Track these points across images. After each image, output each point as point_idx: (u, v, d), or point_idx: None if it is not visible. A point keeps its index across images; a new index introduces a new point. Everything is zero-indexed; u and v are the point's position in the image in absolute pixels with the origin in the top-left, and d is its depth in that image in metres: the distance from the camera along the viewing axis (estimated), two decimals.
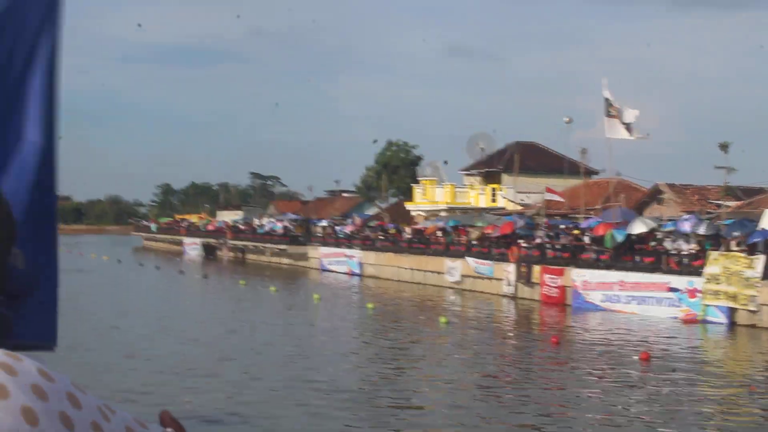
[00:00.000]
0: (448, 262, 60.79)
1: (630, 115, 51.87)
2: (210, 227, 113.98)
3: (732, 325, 39.59)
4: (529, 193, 75.16)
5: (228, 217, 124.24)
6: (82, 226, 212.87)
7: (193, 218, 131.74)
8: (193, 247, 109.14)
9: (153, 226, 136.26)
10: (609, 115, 52.08)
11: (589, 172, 74.20)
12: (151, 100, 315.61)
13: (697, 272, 41.75)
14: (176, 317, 43.22)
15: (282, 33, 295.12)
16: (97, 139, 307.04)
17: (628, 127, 51.61)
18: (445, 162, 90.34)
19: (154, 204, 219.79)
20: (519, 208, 72.24)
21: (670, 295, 42.72)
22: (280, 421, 20.99)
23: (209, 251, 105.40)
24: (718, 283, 40.49)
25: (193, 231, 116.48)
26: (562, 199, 57.95)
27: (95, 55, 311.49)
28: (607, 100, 52.11)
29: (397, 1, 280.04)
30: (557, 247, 51.86)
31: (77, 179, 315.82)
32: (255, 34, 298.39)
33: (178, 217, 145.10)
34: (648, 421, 21.52)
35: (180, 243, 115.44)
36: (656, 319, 41.75)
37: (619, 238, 47.82)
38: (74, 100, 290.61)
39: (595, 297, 46.81)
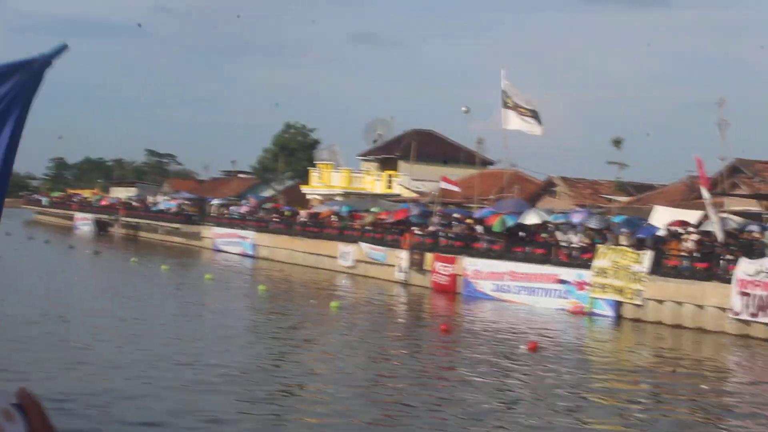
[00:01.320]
0: (341, 247, 60.68)
1: (528, 105, 52.28)
2: (103, 203, 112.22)
3: (618, 318, 40.18)
4: (425, 180, 75.34)
5: (122, 193, 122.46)
6: None
7: (86, 193, 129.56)
8: (84, 223, 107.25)
9: (44, 200, 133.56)
10: (506, 106, 52.46)
11: (485, 163, 74.72)
12: (49, 71, 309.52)
13: (586, 265, 42.28)
14: (60, 294, 42.38)
15: (186, 11, 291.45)
16: None
17: (529, 115, 51.98)
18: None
19: (46, 177, 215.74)
20: (414, 195, 72.41)
21: (559, 286, 43.21)
22: (154, 400, 20.64)
23: (101, 227, 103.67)
24: (606, 277, 41.05)
25: (85, 206, 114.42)
26: (456, 189, 58.18)
27: None
28: (504, 91, 52.48)
29: None
30: (450, 235, 52.08)
31: None
32: (159, 11, 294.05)
33: (70, 191, 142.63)
34: (526, 411, 21.68)
35: (72, 218, 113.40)
36: (545, 310, 42.18)
37: (510, 222, 48.22)
38: None
39: (485, 286, 47.12)
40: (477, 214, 53.44)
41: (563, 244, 45.27)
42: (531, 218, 48.24)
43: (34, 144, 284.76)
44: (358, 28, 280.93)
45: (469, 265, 48.50)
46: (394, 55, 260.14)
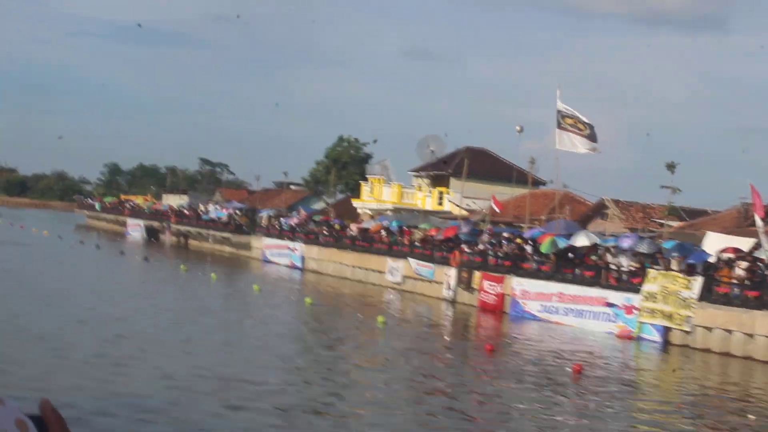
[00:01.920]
0: (390, 262, 60.68)
1: (584, 123, 51.94)
2: (154, 209, 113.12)
3: (666, 344, 39.79)
4: (476, 198, 75.16)
5: (173, 201, 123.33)
6: (25, 200, 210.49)
7: (139, 199, 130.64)
8: (135, 229, 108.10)
9: (97, 205, 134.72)
10: (560, 126, 52.19)
11: (537, 182, 74.45)
12: (105, 77, 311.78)
13: (635, 289, 41.96)
14: (110, 300, 42.77)
15: (241, 20, 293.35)
16: (47, 112, 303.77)
17: (586, 136, 51.64)
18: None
19: (100, 182, 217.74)
20: (465, 213, 72.28)
21: (607, 310, 42.92)
22: (196, 414, 20.73)
23: (152, 234, 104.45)
24: (654, 302, 40.72)
25: (137, 212, 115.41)
26: (498, 209, 58.09)
27: (48, 27, 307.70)
28: (559, 111, 52.21)
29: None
30: (499, 254, 51.91)
31: (24, 152, 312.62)
32: (214, 20, 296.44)
33: (123, 197, 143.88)
34: None
35: (123, 223, 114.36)
36: (592, 333, 41.91)
37: (560, 244, 47.94)
38: (26, 72, 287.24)
39: (533, 307, 46.91)
40: (527, 233, 53.22)
41: (613, 267, 44.98)
42: (581, 240, 47.95)
43: (89, 149, 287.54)
44: (413, 44, 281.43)
45: (517, 285, 48.31)
46: (448, 72, 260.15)
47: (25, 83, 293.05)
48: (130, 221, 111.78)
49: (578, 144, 51.92)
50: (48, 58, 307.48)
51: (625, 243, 45.23)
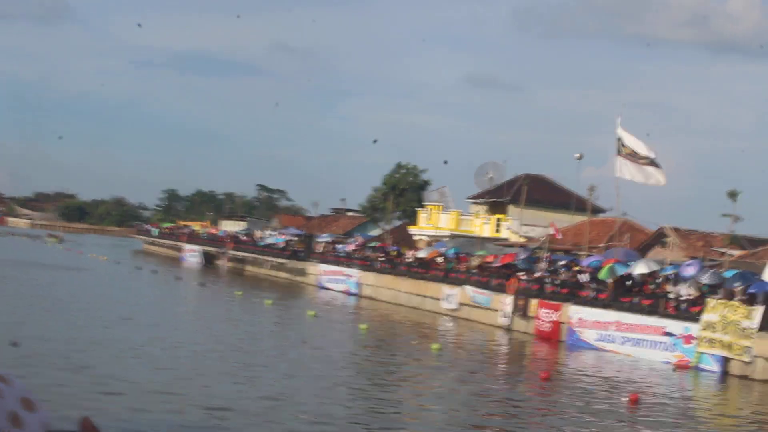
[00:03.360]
0: (446, 289, 60.77)
1: (646, 152, 51.73)
2: (211, 235, 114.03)
3: (724, 374, 39.48)
4: (534, 226, 75.17)
5: (231, 227, 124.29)
6: (84, 225, 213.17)
7: (196, 225, 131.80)
8: (192, 254, 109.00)
9: (154, 230, 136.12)
10: (620, 153, 52.08)
11: (596, 210, 74.27)
12: (164, 105, 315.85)
13: (694, 318, 41.71)
14: (166, 325, 43.29)
15: (303, 50, 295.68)
16: (107, 139, 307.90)
17: (647, 164, 51.42)
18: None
19: (158, 208, 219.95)
20: (522, 240, 72.25)
21: (665, 339, 42.68)
22: None
23: (208, 259, 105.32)
24: (714, 331, 40.45)
25: (194, 238, 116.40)
26: (559, 236, 57.94)
27: (111, 58, 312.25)
28: (619, 138, 52.12)
29: (419, 26, 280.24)
30: (556, 282, 51.84)
31: (84, 178, 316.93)
32: (277, 49, 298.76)
33: (180, 222, 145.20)
34: None
35: (180, 249, 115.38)
36: (649, 362, 41.70)
37: (618, 271, 47.77)
38: (89, 100, 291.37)
39: (589, 335, 46.76)
40: (585, 261, 53.10)
41: (671, 296, 44.75)
42: (640, 268, 47.75)
43: (148, 175, 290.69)
44: (477, 71, 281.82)
45: (574, 313, 48.20)
46: (511, 100, 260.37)
47: (84, 110, 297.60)
48: (187, 247, 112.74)
49: (637, 174, 51.75)
50: (113, 88, 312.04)
51: (688, 271, 44.88)
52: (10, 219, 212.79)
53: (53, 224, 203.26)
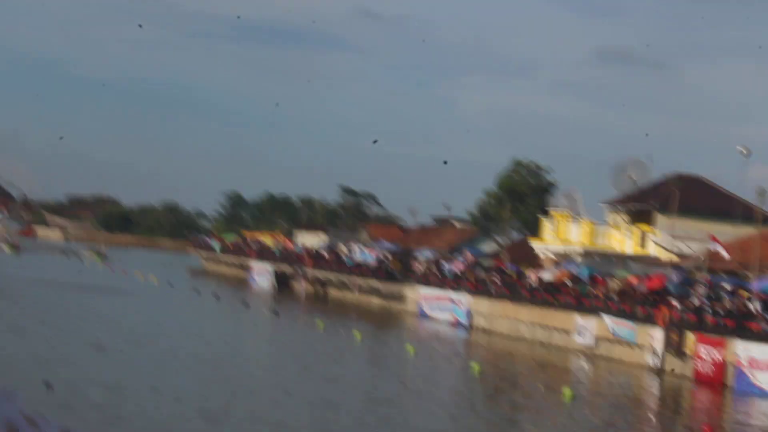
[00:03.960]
0: (578, 320, 60.30)
1: None
2: (286, 250, 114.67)
3: None
4: (689, 240, 74.25)
5: (309, 240, 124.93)
6: (130, 237, 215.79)
7: (267, 238, 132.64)
8: (262, 274, 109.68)
9: (216, 245, 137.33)
10: None
11: None
12: (224, 87, 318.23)
13: None
14: (234, 365, 43.54)
15: (391, 17, 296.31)
16: (155, 131, 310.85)
17: None
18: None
19: (219, 216, 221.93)
20: (674, 258, 71.46)
21: None
22: None
23: (283, 281, 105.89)
24: None
25: (265, 254, 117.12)
26: (726, 254, 57.08)
27: (155, 27, 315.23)
28: None
29: None
30: (719, 311, 51.12)
31: (128, 179, 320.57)
32: (363, 16, 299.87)
33: (247, 235, 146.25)
34: None
35: (247, 268, 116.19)
36: None
37: None
38: (131, 81, 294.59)
39: (764, 379, 45.98)
40: (755, 285, 52.31)
41: None
42: None
43: (206, 175, 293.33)
44: (608, 44, 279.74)
45: (743, 351, 47.44)
46: (654, 80, 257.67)
47: (125, 91, 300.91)
48: (256, 265, 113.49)
49: None
50: (155, 67, 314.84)
51: None
52: (40, 229, 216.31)
53: (91, 236, 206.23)
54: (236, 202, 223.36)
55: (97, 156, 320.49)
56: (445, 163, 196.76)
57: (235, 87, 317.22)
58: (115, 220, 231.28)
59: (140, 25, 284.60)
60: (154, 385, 34.83)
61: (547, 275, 67.46)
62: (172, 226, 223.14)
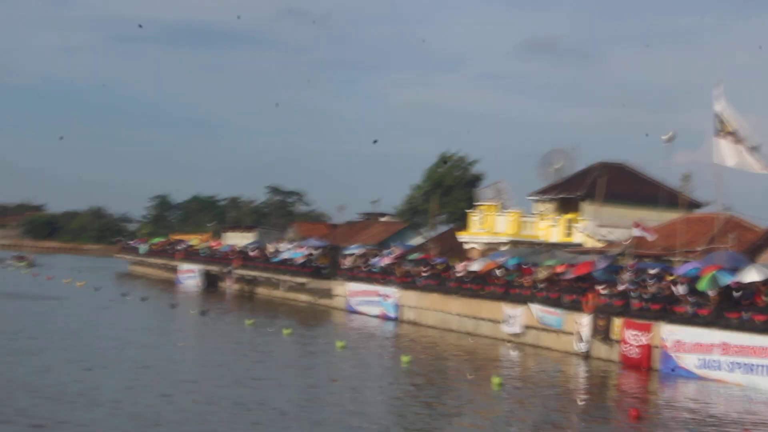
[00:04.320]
0: (506, 309, 60.57)
1: (749, 134, 51.29)
2: (213, 251, 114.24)
3: None
4: (614, 227, 74.78)
5: (236, 239, 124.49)
6: (55, 244, 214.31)
7: (193, 239, 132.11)
8: (190, 276, 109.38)
9: (142, 247, 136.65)
10: (719, 134, 51.68)
11: (692, 205, 73.82)
12: (149, 90, 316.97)
13: None
14: (157, 365, 43.31)
15: (317, 15, 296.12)
16: (80, 136, 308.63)
17: (752, 148, 51.00)
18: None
19: (146, 220, 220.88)
20: (600, 245, 71.90)
21: None
22: None
23: (210, 281, 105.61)
24: None
25: (191, 255, 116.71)
26: (651, 237, 57.52)
27: (80, 31, 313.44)
28: (717, 115, 51.72)
29: None
30: (645, 296, 51.50)
31: (52, 185, 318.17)
32: (285, 14, 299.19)
33: (174, 237, 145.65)
34: None
35: (174, 269, 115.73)
36: (766, 393, 41.33)
37: (724, 281, 47.31)
38: (54, 86, 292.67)
39: (689, 361, 46.44)
40: (680, 269, 52.74)
41: None
42: (751, 275, 47.29)
43: (132, 179, 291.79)
44: (533, 35, 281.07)
45: (669, 334, 47.88)
46: (576, 69, 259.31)
47: (48, 97, 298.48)
48: (183, 266, 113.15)
49: (741, 160, 51.28)
50: (81, 69, 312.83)
51: None
52: None
53: (16, 243, 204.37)
54: (163, 205, 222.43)
55: (21, 163, 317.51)
56: (375, 142, 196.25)
57: (161, 90, 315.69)
58: (41, 227, 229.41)
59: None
60: (80, 390, 34.57)
61: (475, 266, 67.67)
62: (99, 230, 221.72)
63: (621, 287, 53.43)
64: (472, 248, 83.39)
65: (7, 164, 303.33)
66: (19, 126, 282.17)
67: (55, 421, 28.02)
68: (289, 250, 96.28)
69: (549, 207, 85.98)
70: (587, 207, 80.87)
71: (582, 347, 53.34)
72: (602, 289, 54.27)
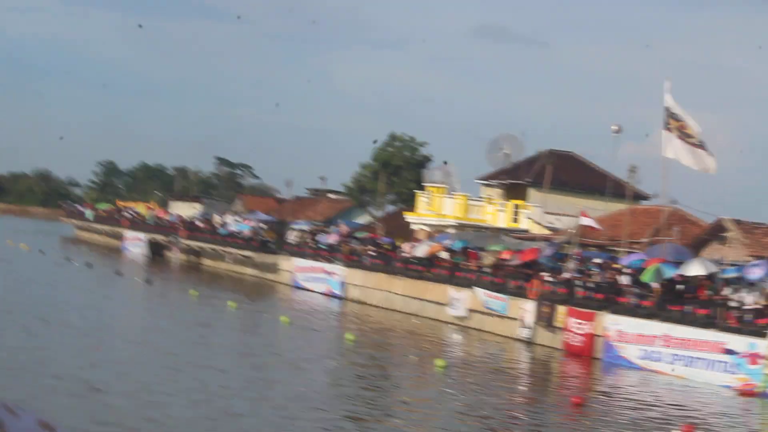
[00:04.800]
0: (451, 292, 60.66)
1: (697, 132, 51.58)
2: (159, 220, 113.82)
3: None
4: (561, 215, 74.97)
5: (183, 210, 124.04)
6: (0, 205, 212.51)
7: (140, 207, 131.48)
8: (136, 244, 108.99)
9: (89, 213, 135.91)
10: (668, 128, 51.94)
11: (637, 197, 74.11)
12: (101, 53, 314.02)
13: (761, 333, 41.62)
14: (101, 331, 43.15)
15: None
16: (29, 98, 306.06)
17: (697, 145, 51.27)
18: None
19: (92, 185, 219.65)
20: (546, 232, 72.12)
21: (726, 358, 42.60)
22: None
23: (156, 250, 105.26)
24: None
25: (138, 223, 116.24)
26: (599, 227, 57.77)
27: None
28: (667, 108, 51.96)
29: None
30: (589, 285, 51.74)
31: None
32: None
33: (121, 204, 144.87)
34: None
35: (120, 237, 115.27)
36: (706, 386, 41.62)
37: (667, 274, 47.60)
38: (2, 45, 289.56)
39: (631, 352, 46.69)
40: (624, 260, 53.02)
41: (733, 304, 44.62)
42: (694, 269, 47.58)
43: (79, 144, 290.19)
44: (485, 20, 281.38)
45: (612, 323, 48.12)
46: (528, 56, 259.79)
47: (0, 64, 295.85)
48: (129, 234, 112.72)
49: (688, 156, 51.59)
50: (28, 31, 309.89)
51: (754, 273, 44.72)
52: None
53: None
54: (110, 171, 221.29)
55: None
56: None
57: (112, 55, 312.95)
58: None
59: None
60: (29, 357, 34.39)
61: (421, 248, 67.71)
62: (45, 194, 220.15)
63: (566, 275, 53.65)
64: (419, 229, 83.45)
65: None
66: None
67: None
68: (237, 223, 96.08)
69: (496, 192, 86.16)
70: (534, 194, 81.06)
71: (525, 333, 53.51)
72: (547, 276, 54.45)
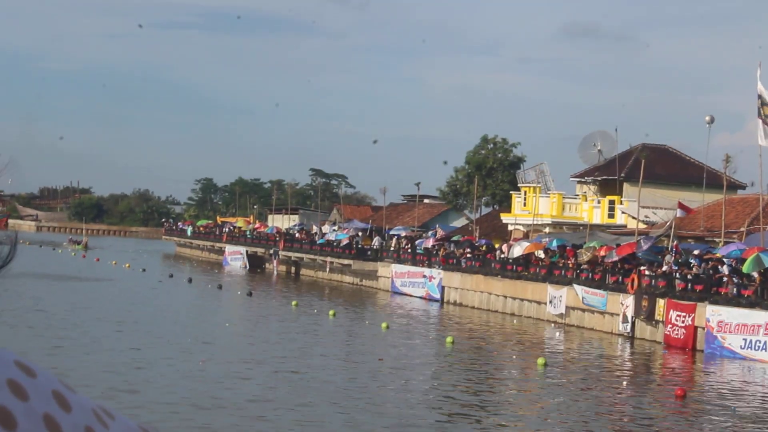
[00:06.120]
0: (550, 290, 60.41)
1: None
2: (258, 233, 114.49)
3: None
4: (657, 208, 74.35)
5: (281, 222, 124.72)
6: (102, 226, 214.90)
7: (239, 222, 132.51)
8: (235, 257, 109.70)
9: (189, 230, 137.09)
10: (762, 115, 51.32)
11: (734, 186, 73.34)
12: (195, 76, 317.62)
13: None
14: (207, 345, 43.40)
15: (362, 2, 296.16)
16: (127, 121, 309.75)
17: None
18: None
19: (191, 203, 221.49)
20: (643, 226, 71.54)
21: None
22: None
23: (255, 263, 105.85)
24: None
25: (237, 237, 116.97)
26: (693, 211, 57.19)
27: (130, 18, 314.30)
28: (761, 96, 51.35)
29: None
30: (689, 277, 51.24)
31: (99, 169, 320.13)
32: (331, 1, 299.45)
33: (219, 219, 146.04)
34: None
35: (220, 251, 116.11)
36: None
37: (766, 262, 46.99)
38: (99, 71, 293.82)
39: (733, 342, 46.15)
40: (723, 250, 52.44)
41: None
42: None
43: (176, 162, 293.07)
44: (574, 18, 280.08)
45: (713, 314, 47.60)
46: (619, 53, 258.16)
47: (93, 83, 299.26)
48: (229, 248, 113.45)
49: None
50: (126, 57, 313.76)
51: None
52: (11, 222, 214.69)
53: (64, 225, 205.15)
54: (207, 187, 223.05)
55: (66, 146, 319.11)
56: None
57: (207, 75, 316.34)
58: (88, 210, 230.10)
59: (140, 25, 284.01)
60: (141, 374, 34.71)
61: (518, 248, 67.49)
62: (145, 213, 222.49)
63: (664, 268, 53.18)
64: (515, 229, 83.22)
65: (53, 148, 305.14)
66: (68, 111, 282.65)
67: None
68: (334, 232, 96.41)
69: (591, 189, 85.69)
70: (629, 188, 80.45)
71: (626, 328, 53.14)
72: (645, 270, 54.02)
